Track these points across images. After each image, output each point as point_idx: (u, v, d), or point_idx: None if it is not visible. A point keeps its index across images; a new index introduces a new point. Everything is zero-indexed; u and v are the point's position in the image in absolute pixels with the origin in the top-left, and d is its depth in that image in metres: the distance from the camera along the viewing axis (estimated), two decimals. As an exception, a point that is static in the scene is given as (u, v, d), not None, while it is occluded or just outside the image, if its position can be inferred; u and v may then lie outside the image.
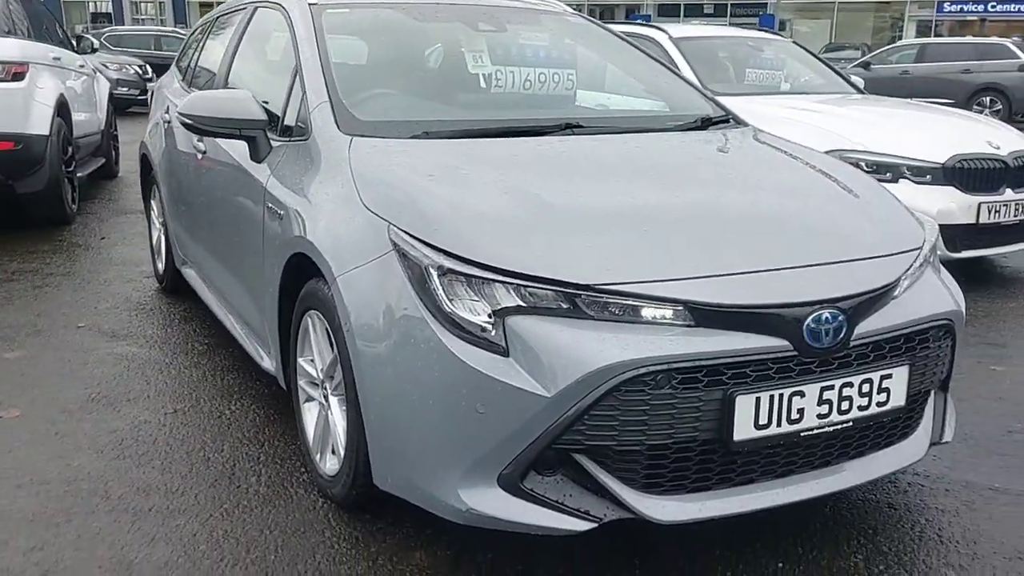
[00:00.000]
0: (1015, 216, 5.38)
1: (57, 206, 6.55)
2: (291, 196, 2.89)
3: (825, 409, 2.32)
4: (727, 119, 3.50)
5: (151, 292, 5.04)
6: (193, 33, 5.17)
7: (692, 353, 2.17)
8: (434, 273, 2.27)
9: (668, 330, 2.21)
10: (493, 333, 2.21)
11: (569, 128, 3.10)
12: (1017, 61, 16.81)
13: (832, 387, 2.32)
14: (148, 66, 17.05)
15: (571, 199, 2.53)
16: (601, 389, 2.13)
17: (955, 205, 5.18)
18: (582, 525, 2.22)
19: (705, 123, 3.40)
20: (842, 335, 2.30)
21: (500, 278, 2.23)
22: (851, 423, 2.37)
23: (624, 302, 2.22)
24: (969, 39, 19.53)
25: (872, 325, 2.37)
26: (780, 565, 2.46)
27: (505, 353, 2.19)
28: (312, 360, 2.84)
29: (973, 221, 5.23)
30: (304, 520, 2.66)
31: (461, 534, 2.52)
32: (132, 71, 16.40)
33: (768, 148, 3.18)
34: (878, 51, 19.97)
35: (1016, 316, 4.91)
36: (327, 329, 2.66)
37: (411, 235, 2.36)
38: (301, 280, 2.82)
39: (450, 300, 2.25)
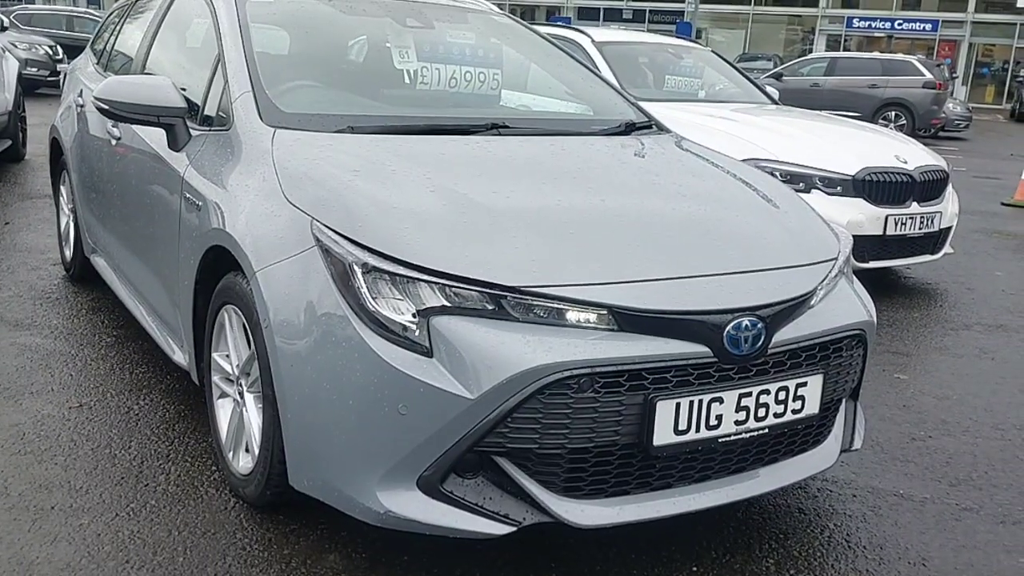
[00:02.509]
0: (920, 228, 5.58)
1: (-42, 188, 6.26)
2: (210, 187, 2.81)
3: (743, 416, 2.36)
4: (650, 125, 3.54)
5: (57, 281, 4.86)
6: (110, 15, 4.99)
7: (615, 357, 2.19)
8: (358, 271, 2.24)
9: (591, 334, 2.22)
10: (417, 333, 2.19)
11: (495, 128, 3.09)
12: (922, 78, 17.48)
13: (750, 394, 2.36)
14: (59, 47, 16.44)
15: (498, 200, 2.52)
16: (525, 392, 2.12)
17: (863, 217, 5.34)
18: (501, 528, 2.21)
19: (629, 128, 3.43)
20: (760, 343, 2.34)
21: (426, 277, 2.21)
22: (767, 430, 2.42)
23: (549, 305, 2.22)
24: (877, 55, 20.22)
25: (789, 334, 2.42)
26: (695, 568, 2.50)
27: (429, 353, 2.17)
28: (227, 355, 2.77)
29: (880, 232, 5.41)
30: (215, 520, 2.59)
31: (377, 536, 2.49)
32: (42, 51, 15.80)
33: (691, 156, 3.23)
34: (790, 63, 20.53)
35: (919, 326, 5.09)
36: (244, 324, 2.60)
37: (335, 231, 2.32)
38: (218, 273, 2.74)
39: (374, 298, 2.22)
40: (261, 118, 2.83)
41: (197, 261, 2.82)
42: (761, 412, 2.39)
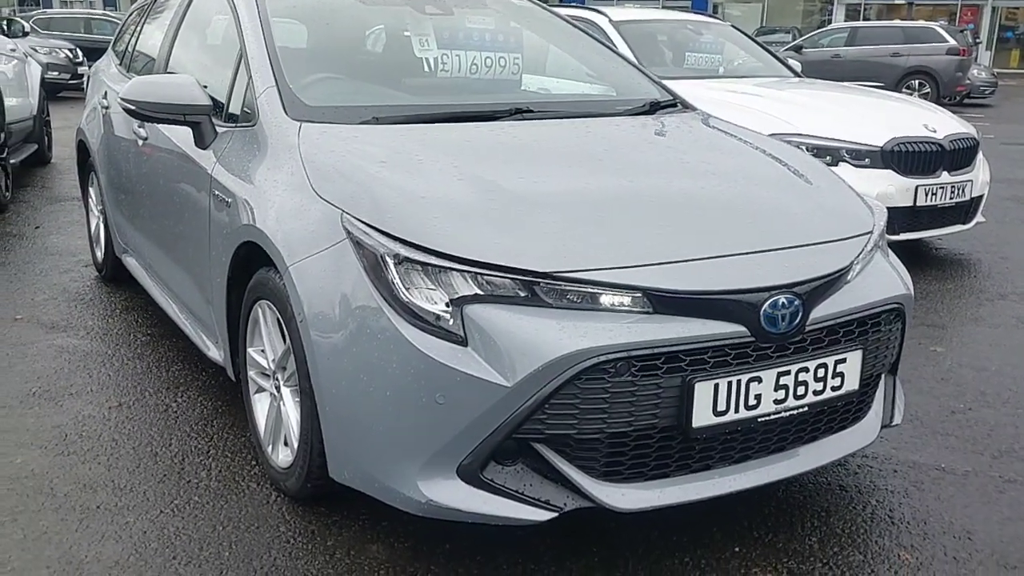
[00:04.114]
0: (951, 198, 5.50)
1: (-11, 194, 6.34)
2: (239, 184, 2.82)
3: (782, 394, 2.35)
4: (674, 103, 3.51)
5: (90, 282, 4.90)
6: (130, 16, 5.01)
7: (651, 340, 2.17)
8: (390, 262, 2.24)
9: (626, 317, 2.21)
10: (451, 322, 2.18)
11: (519, 113, 3.07)
12: (945, 44, 17.21)
13: (788, 372, 2.34)
14: (79, 50, 16.55)
15: (526, 185, 2.51)
16: (561, 378, 2.12)
17: (893, 188, 5.27)
18: (542, 515, 2.21)
19: (654, 107, 3.40)
20: (798, 320, 2.32)
21: (458, 266, 2.20)
22: (806, 408, 2.40)
23: (583, 290, 2.21)
24: (899, 23, 19.92)
25: (826, 310, 2.39)
26: (737, 549, 2.49)
27: (463, 342, 2.17)
28: (263, 350, 2.78)
29: (910, 204, 5.34)
30: (257, 515, 2.61)
31: (418, 526, 2.50)
32: (63, 55, 15.91)
33: (719, 133, 3.20)
34: (810, 34, 20.27)
35: (953, 297, 5.03)
36: (278, 319, 2.61)
37: (366, 223, 2.32)
38: (250, 269, 2.76)
39: (407, 289, 2.22)
40: (286, 112, 2.84)
41: (229, 258, 2.83)
42: (800, 390, 2.37)
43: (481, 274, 2.20)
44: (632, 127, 3.18)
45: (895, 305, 2.58)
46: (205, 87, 3.13)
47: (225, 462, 2.92)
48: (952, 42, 17.19)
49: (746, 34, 7.45)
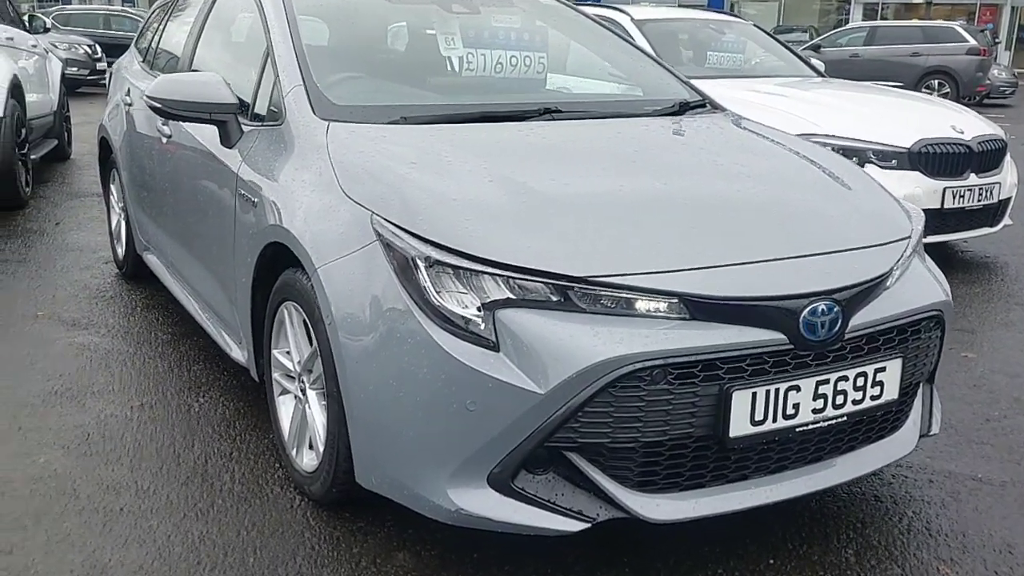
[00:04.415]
0: (978, 200, 5.43)
1: (10, 190, 6.33)
2: (265, 183, 2.78)
3: (820, 404, 2.29)
4: (703, 103, 3.45)
5: (110, 279, 4.88)
6: (153, 13, 4.99)
7: (688, 347, 2.13)
8: (421, 265, 2.20)
9: (662, 323, 2.16)
10: (483, 327, 2.14)
11: (548, 113, 3.02)
12: (965, 44, 17.03)
13: (827, 381, 2.29)
14: (98, 46, 16.58)
15: (558, 187, 2.46)
16: (595, 385, 2.07)
17: (920, 190, 5.20)
18: (575, 525, 2.17)
19: (683, 108, 3.35)
20: (837, 327, 2.26)
21: (490, 270, 2.16)
22: (845, 417, 2.35)
23: (618, 295, 2.16)
24: (918, 22, 19.74)
25: (866, 317, 2.34)
26: (771, 561, 2.44)
27: (495, 348, 2.13)
28: (288, 352, 2.75)
29: (938, 206, 5.27)
30: (282, 520, 2.57)
31: (446, 533, 2.45)
32: (82, 51, 15.94)
33: (751, 134, 3.14)
34: (828, 34, 20.10)
35: (982, 301, 4.96)
36: (305, 321, 2.57)
37: (396, 225, 2.28)
38: (276, 270, 2.72)
39: (437, 293, 2.18)
40: (314, 112, 2.80)
41: (254, 258, 2.80)
42: (839, 399, 2.32)
43: (514, 278, 2.15)
44: (663, 128, 3.13)
45: (935, 312, 2.52)
46: (228, 84, 3.10)
47: (248, 465, 2.88)
48: (972, 42, 17.02)
49: (768, 33, 7.38)
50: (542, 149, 2.75)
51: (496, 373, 2.10)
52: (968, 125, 5.51)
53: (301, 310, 2.57)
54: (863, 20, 30.86)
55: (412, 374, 2.19)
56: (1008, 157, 5.73)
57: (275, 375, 2.85)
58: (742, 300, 2.19)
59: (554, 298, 2.15)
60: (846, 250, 2.44)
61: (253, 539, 2.47)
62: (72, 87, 13.57)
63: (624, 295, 2.16)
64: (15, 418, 3.17)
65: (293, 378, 2.74)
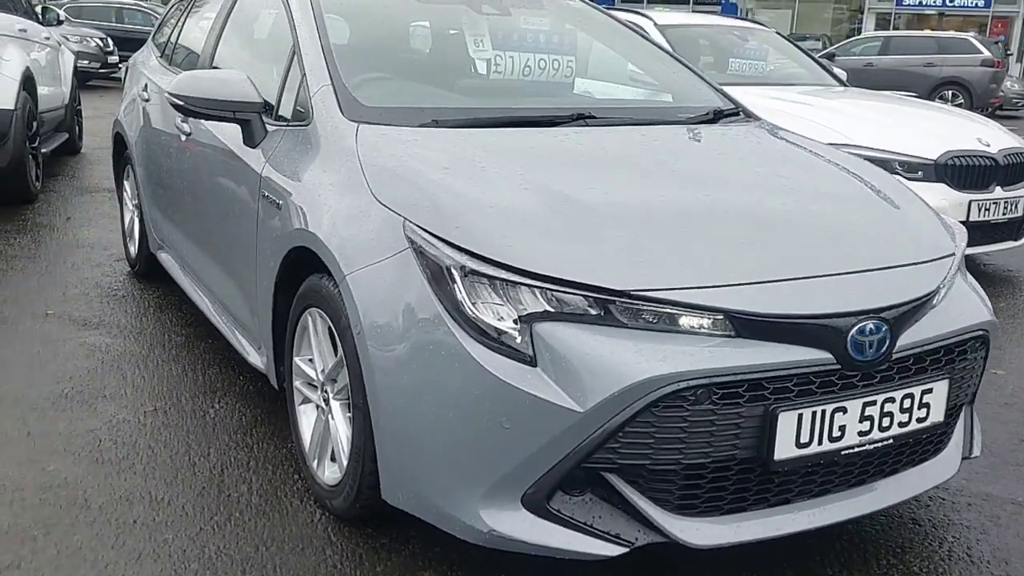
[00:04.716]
0: (1003, 214, 5.34)
1: (21, 184, 6.25)
2: (291, 185, 2.70)
3: (866, 426, 2.21)
4: (737, 112, 3.37)
5: (122, 277, 4.80)
6: (171, 7, 4.90)
7: (733, 366, 2.04)
8: (456, 274, 2.11)
9: (707, 341, 2.07)
10: (519, 340, 2.05)
11: (581, 118, 2.94)
12: (979, 56, 16.95)
13: (874, 403, 2.21)
14: (110, 39, 16.51)
15: (597, 196, 2.37)
16: (638, 405, 1.98)
17: (946, 202, 5.10)
18: (613, 549, 2.08)
19: (717, 116, 3.26)
20: (885, 347, 2.18)
21: (528, 281, 2.07)
22: (891, 440, 2.26)
23: (661, 310, 2.07)
24: (933, 33, 19.65)
25: (913, 337, 2.25)
26: (812, 588, 2.35)
27: (532, 362, 2.04)
28: (311, 360, 2.66)
29: (963, 219, 5.17)
30: (302, 535, 2.48)
31: (473, 553, 2.36)
32: (94, 44, 15.87)
33: (790, 146, 3.04)
34: (843, 43, 20.02)
35: (1007, 316, 4.86)
36: (330, 328, 2.48)
37: (430, 232, 2.19)
38: (300, 274, 2.63)
39: (472, 304, 2.09)
40: (342, 113, 2.71)
41: (278, 262, 2.71)
42: (885, 422, 2.23)
43: (553, 290, 2.07)
44: (700, 136, 3.04)
45: (981, 332, 2.44)
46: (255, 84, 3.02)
47: (266, 475, 2.79)
48: (986, 53, 16.94)
49: (791, 41, 7.29)
50: (578, 156, 2.66)
51: (533, 389, 2.01)
52: (994, 137, 5.43)
53: (326, 317, 2.48)
54: (876, 30, 30.73)
55: (444, 388, 2.10)
56: (1033, 171, 5.63)
57: (296, 383, 2.77)
58: (790, 318, 2.11)
59: (594, 312, 2.07)
60: (893, 267, 2.35)
61: (272, 555, 2.39)
62: (83, 80, 13.51)
63: (668, 310, 2.07)
64: (24, 422, 3.08)
65: (315, 387, 2.66)
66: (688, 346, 2.05)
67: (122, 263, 5.01)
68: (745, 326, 2.08)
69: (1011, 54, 28.46)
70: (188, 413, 3.20)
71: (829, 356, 2.12)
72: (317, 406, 2.67)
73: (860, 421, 2.19)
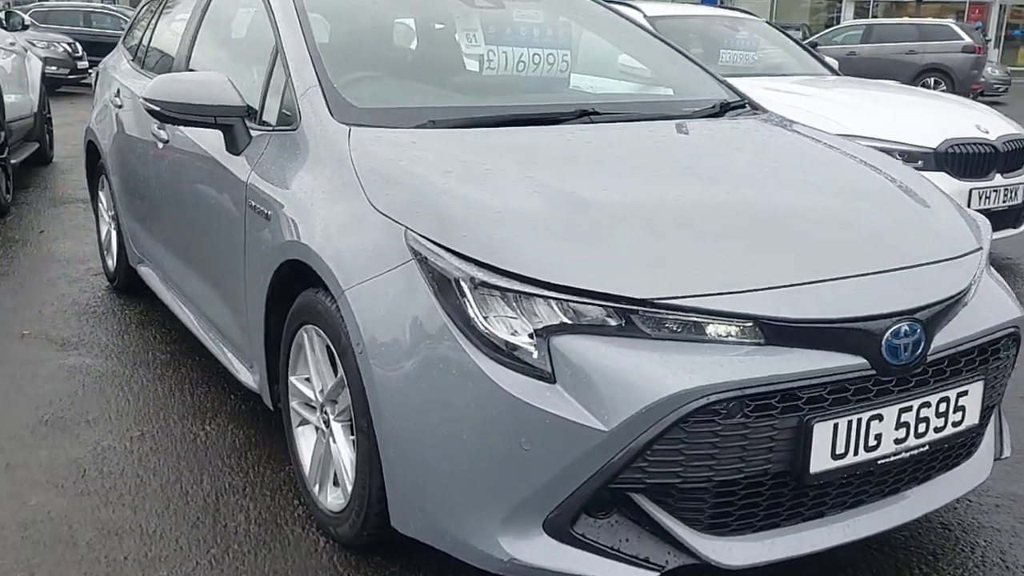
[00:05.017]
0: (1003, 202, 5.25)
1: (-10, 197, 6.04)
2: (280, 194, 2.54)
3: (902, 433, 2.09)
4: (743, 104, 3.24)
5: (101, 292, 4.61)
6: (141, 8, 4.72)
7: (766, 376, 1.91)
8: (466, 286, 1.97)
9: (735, 350, 1.94)
10: (535, 355, 1.91)
11: (585, 115, 2.79)
12: (960, 42, 16.95)
13: (910, 408, 2.09)
14: (78, 44, 16.18)
15: (611, 198, 2.24)
16: (666, 421, 1.85)
17: (947, 191, 4.99)
18: (642, 575, 1.94)
19: (723, 108, 3.13)
20: (920, 349, 2.06)
21: (545, 292, 1.93)
22: (927, 446, 2.14)
23: (687, 318, 1.93)
24: (914, 20, 19.63)
25: (947, 337, 2.13)
26: (849, 605, 2.22)
27: (551, 379, 1.90)
28: (308, 379, 2.51)
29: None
30: (306, 566, 2.34)
31: (489, 579, 2.22)
32: (61, 49, 15.53)
33: (806, 139, 2.91)
34: (824, 32, 19.96)
35: (1011, 306, 4.76)
36: (328, 347, 2.33)
37: (435, 242, 2.05)
38: (293, 289, 2.48)
39: (484, 317, 1.95)
40: (332, 115, 2.56)
41: (269, 276, 2.56)
42: (921, 427, 2.12)
43: (570, 301, 1.93)
44: (710, 131, 2.90)
45: (1012, 329, 2.32)
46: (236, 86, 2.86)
47: (264, 502, 2.64)
48: (967, 40, 16.93)
49: (781, 30, 7.18)
50: (587, 155, 2.52)
51: (553, 408, 1.87)
52: (992, 124, 5.35)
53: (324, 335, 2.33)
54: (855, 18, 30.70)
55: (456, 408, 1.96)
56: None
57: (293, 404, 2.61)
58: (823, 322, 1.98)
59: (614, 323, 1.93)
60: (923, 264, 2.23)
61: (275, 589, 2.24)
62: (52, 87, 13.22)
63: (694, 319, 1.94)
64: (2, 453, 2.91)
65: (314, 408, 2.51)
66: (717, 356, 1.92)
67: (100, 277, 4.82)
68: (776, 333, 1.95)
69: (989, 40, 28.56)
70: (177, 437, 3.04)
71: (863, 361, 2.00)
72: (316, 428, 2.52)
73: (896, 428, 2.08)
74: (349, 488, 2.32)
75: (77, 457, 2.89)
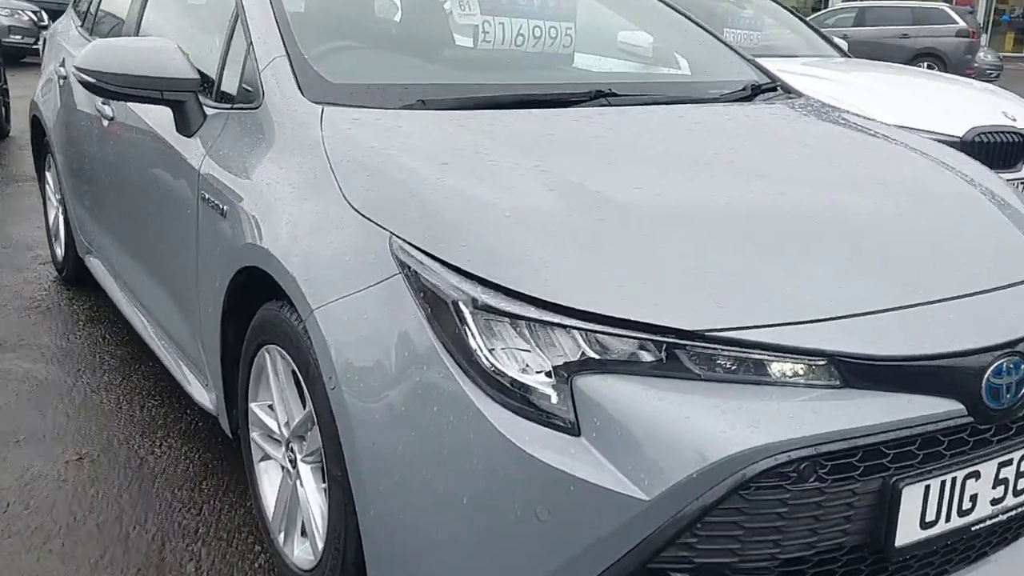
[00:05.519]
0: (1027, 194, 4.88)
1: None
2: (239, 186, 2.12)
3: (1000, 492, 1.71)
4: (774, 87, 2.83)
5: (48, 284, 4.15)
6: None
7: (847, 429, 1.51)
8: (466, 311, 1.56)
9: (806, 394, 1.54)
10: (555, 400, 1.51)
11: (601, 97, 2.38)
12: (955, 26, 16.58)
13: (1010, 462, 1.71)
14: (43, 11, 15.49)
15: (644, 200, 1.82)
16: (723, 487, 1.46)
17: (971, 183, 4.63)
18: (687, 676, 1.55)
19: (755, 91, 2.72)
20: (1024, 390, 1.67)
21: (567, 320, 1.53)
22: (1025, 506, 1.76)
23: (746, 355, 1.53)
24: (907, 2, 19.22)
25: (1048, 372, 1.74)
26: None
27: (575, 431, 1.50)
28: (271, 406, 2.10)
29: (988, 201, 4.71)
30: (267, 637, 1.93)
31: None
32: (26, 17, 14.85)
33: (861, 130, 2.51)
34: (816, 15, 19.53)
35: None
36: (294, 372, 1.92)
37: (427, 252, 1.64)
38: (254, 300, 2.06)
39: (490, 351, 1.54)
40: (302, 92, 2.13)
41: (225, 283, 2.13)
42: (1021, 483, 1.74)
43: (601, 332, 1.52)
44: (747, 118, 2.48)
45: None
46: (188, 55, 2.43)
47: (219, 548, 2.23)
48: (962, 23, 16.55)
49: (789, 9, 6.77)
50: (609, 145, 2.10)
51: (579, 470, 1.47)
52: (1018, 111, 4.97)
53: (289, 359, 1.92)
54: (844, 1, 30.28)
55: (454, 465, 1.56)
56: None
57: (253, 435, 2.20)
58: (914, 360, 1.58)
59: (650, 358, 1.53)
60: (1016, 284, 1.83)
61: (227, 671, 1.83)
62: (16, 57, 12.66)
63: (755, 355, 1.54)
64: (-86, 481, 2.49)
65: (279, 442, 2.09)
66: (783, 402, 1.52)
67: (48, 267, 4.36)
68: (856, 373, 1.56)
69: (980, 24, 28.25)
70: (121, 462, 2.62)
71: (960, 407, 1.61)
72: (282, 467, 2.10)
73: (994, 487, 1.69)
74: (320, 546, 1.92)
75: (1, 487, 2.46)
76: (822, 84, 4.98)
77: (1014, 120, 4.85)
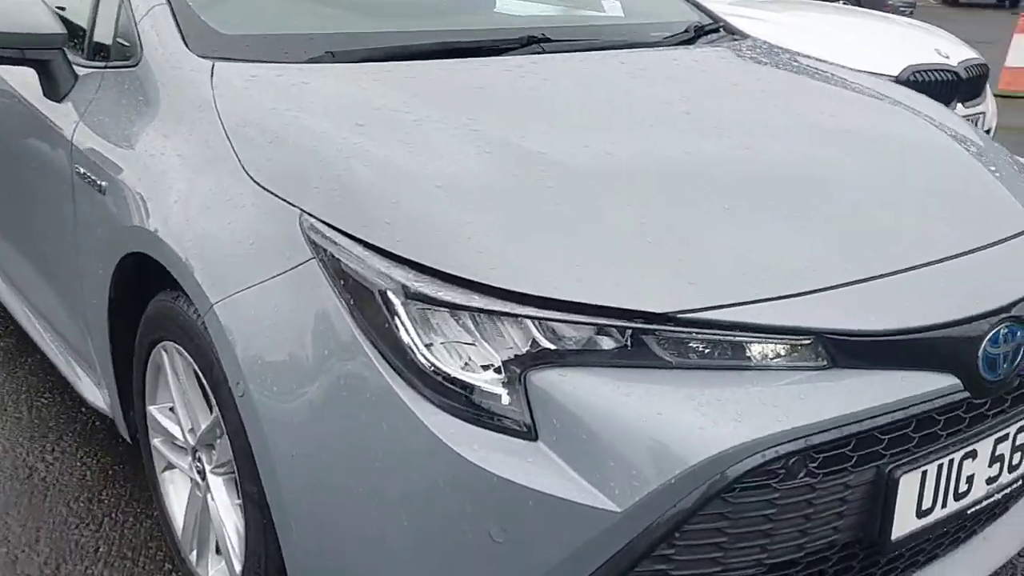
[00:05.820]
0: (966, 134, 4.82)
1: None
2: (118, 157, 1.82)
3: (995, 470, 1.56)
4: (717, 28, 2.61)
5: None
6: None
7: (839, 416, 1.33)
8: (396, 301, 1.31)
9: (790, 377, 1.35)
10: (507, 400, 1.29)
11: (534, 43, 2.12)
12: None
13: (1006, 437, 1.55)
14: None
15: (595, 161, 1.59)
16: (703, 491, 1.26)
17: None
18: None
19: (698, 33, 2.49)
20: (1020, 358, 1.51)
21: (515, 308, 1.30)
22: (1021, 481, 1.62)
23: (722, 337, 1.33)
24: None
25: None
26: None
27: (532, 435, 1.28)
28: (171, 408, 1.83)
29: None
30: (181, 677, 1.68)
31: None
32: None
33: (821, 75, 2.30)
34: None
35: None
36: (196, 371, 1.65)
37: (345, 233, 1.39)
38: (145, 288, 1.78)
39: (427, 346, 1.30)
40: (187, 45, 1.83)
41: (109, 271, 1.84)
42: (1016, 458, 1.59)
43: (554, 320, 1.30)
44: (696, 64, 2.24)
45: None
46: (62, 8, 2.10)
47: (124, 568, 1.97)
48: (875, -42, 16.61)
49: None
50: (547, 99, 1.84)
51: (537, 482, 1.26)
52: (952, 49, 4.88)
53: (189, 358, 1.65)
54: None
55: (390, 480, 1.34)
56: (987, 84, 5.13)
57: (154, 441, 1.93)
58: (909, 333, 1.40)
59: (610, 345, 1.31)
60: (1006, 240, 1.66)
61: None
62: None
63: (732, 337, 1.33)
64: None
65: (184, 450, 1.83)
66: (766, 389, 1.32)
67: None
68: (844, 351, 1.37)
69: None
70: (7, 473, 2.31)
71: (955, 381, 1.44)
72: (189, 477, 1.84)
73: (990, 465, 1.54)
74: (238, 568, 1.67)
75: None
76: (753, 24, 4.76)
77: (947, 58, 4.75)
